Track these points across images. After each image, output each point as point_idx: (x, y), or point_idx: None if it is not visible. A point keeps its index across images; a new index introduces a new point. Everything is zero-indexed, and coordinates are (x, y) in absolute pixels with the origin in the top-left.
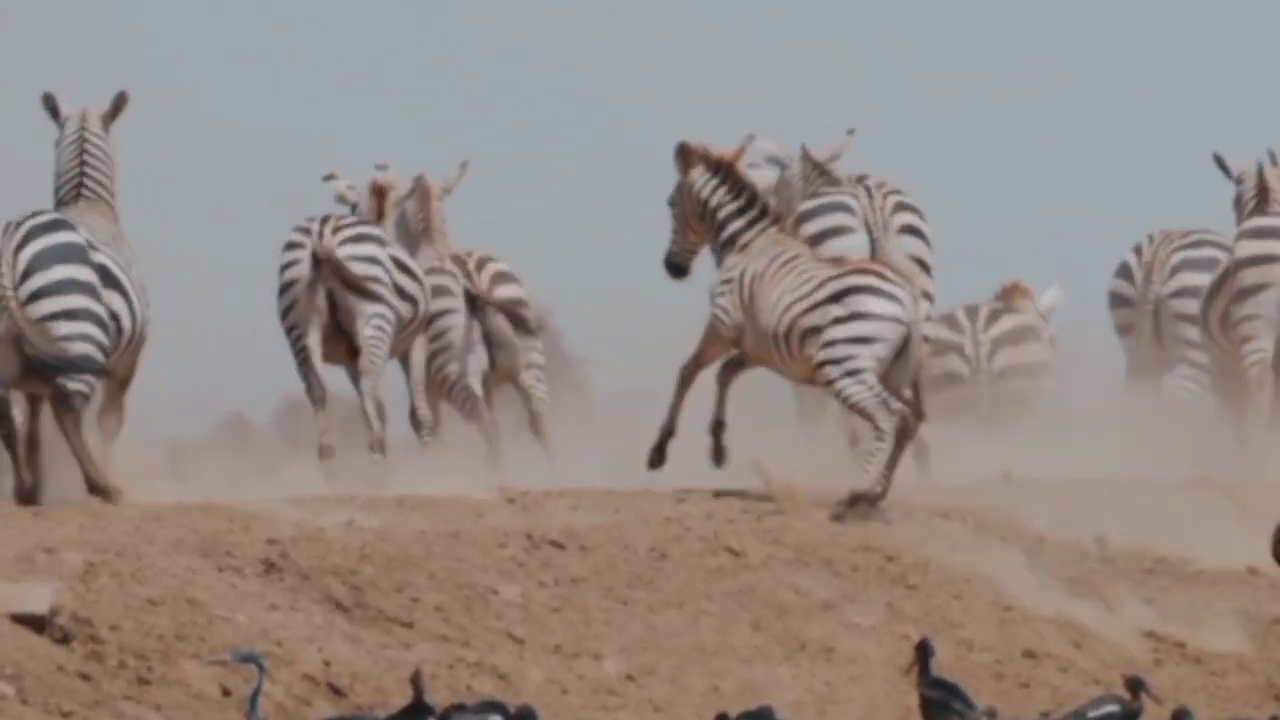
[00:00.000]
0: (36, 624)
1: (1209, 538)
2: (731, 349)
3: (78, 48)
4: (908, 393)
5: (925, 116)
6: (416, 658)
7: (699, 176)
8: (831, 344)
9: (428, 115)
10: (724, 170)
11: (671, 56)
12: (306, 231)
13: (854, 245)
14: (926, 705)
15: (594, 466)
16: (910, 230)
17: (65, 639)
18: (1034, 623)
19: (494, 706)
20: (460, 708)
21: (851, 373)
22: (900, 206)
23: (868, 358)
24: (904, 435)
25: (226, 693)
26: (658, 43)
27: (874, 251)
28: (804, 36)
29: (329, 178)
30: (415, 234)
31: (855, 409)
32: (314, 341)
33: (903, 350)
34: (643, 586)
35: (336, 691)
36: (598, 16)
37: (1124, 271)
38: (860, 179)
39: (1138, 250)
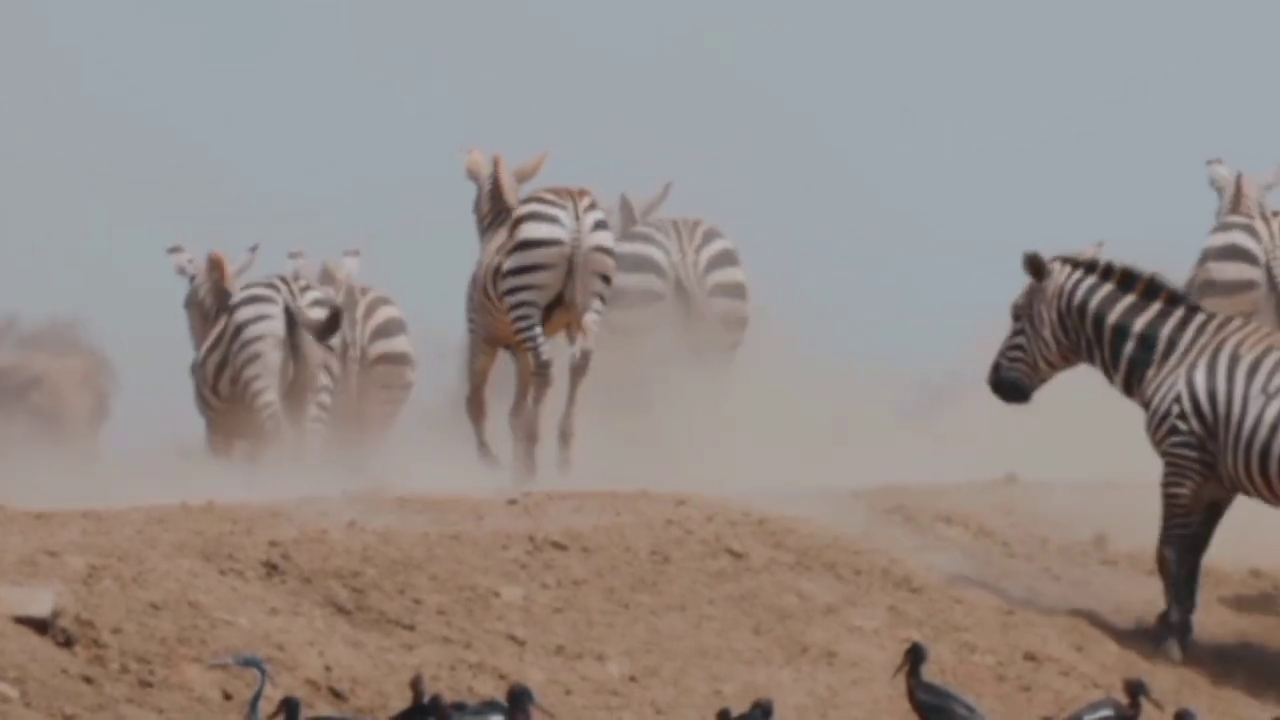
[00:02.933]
0: (39, 627)
1: (1212, 540)
2: (493, 353)
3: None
4: (589, 316)
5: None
6: (418, 660)
7: (484, 187)
8: (504, 277)
9: (420, 124)
10: (496, 190)
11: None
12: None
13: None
14: (923, 711)
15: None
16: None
17: (68, 642)
18: (1036, 626)
19: (494, 706)
20: (460, 707)
21: (516, 306)
22: (709, 238)
23: (531, 289)
24: (574, 373)
25: (228, 696)
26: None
27: (684, 294)
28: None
29: (174, 250)
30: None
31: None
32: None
33: (570, 269)
34: (645, 589)
35: (337, 695)
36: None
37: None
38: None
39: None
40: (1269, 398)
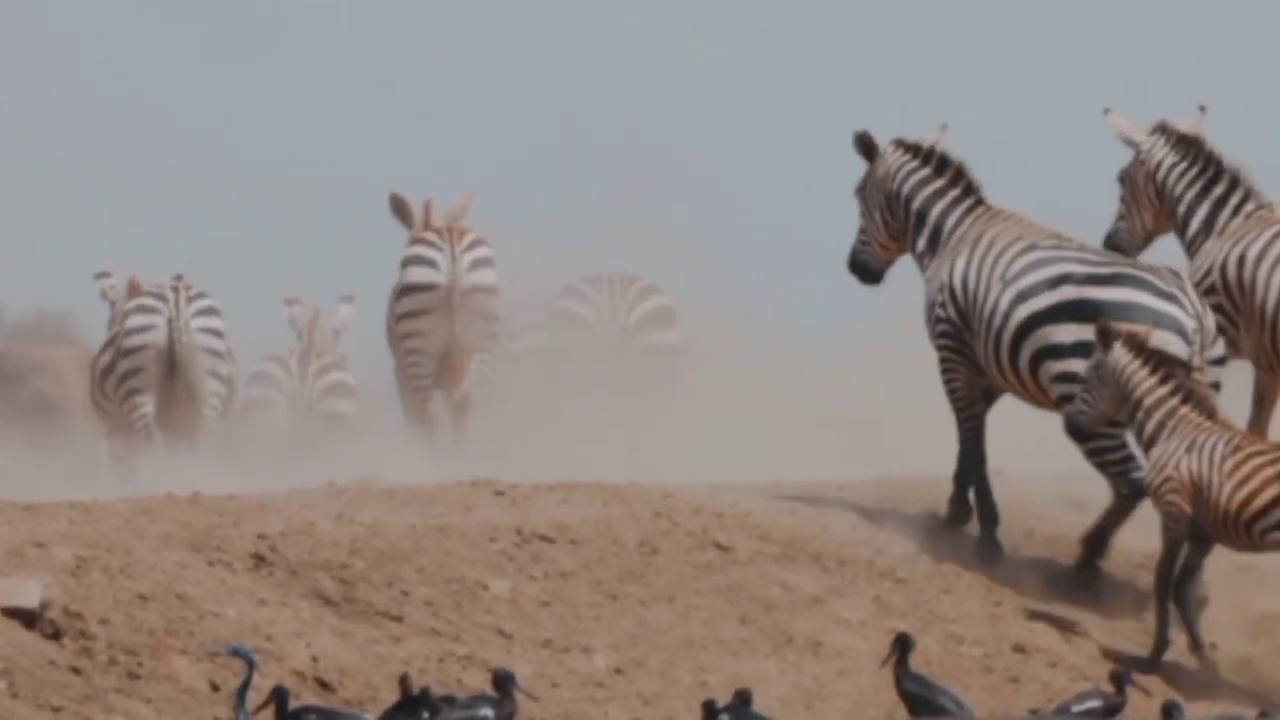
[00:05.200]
0: (27, 618)
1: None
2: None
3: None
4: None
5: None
6: (406, 652)
7: (416, 233)
8: (396, 322)
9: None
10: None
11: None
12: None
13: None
14: (909, 701)
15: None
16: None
17: (56, 634)
18: (1024, 617)
19: (484, 699)
20: (450, 700)
21: (409, 352)
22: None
23: (414, 335)
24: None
25: (215, 688)
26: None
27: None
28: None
29: (101, 275)
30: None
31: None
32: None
33: (450, 309)
34: (632, 581)
35: (325, 686)
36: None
37: None
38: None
39: None
40: (1005, 284)
